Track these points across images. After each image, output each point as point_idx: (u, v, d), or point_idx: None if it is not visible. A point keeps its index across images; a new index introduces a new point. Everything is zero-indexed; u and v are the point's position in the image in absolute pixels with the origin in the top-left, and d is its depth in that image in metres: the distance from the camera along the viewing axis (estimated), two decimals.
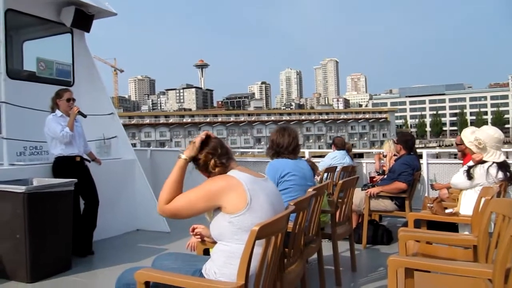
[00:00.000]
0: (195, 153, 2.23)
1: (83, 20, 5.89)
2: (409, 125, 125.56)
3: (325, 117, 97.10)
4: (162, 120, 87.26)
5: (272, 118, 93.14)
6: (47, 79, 5.78)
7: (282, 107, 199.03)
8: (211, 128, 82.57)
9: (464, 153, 5.13)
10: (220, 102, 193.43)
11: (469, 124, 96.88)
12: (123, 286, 2.17)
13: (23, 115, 5.04)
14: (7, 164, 4.60)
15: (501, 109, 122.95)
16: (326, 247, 3.65)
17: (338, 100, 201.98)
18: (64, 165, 4.59)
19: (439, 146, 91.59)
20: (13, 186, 3.83)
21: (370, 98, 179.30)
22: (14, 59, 5.81)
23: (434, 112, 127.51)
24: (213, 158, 2.21)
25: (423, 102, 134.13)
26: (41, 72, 5.81)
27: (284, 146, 3.41)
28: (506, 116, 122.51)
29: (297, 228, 2.64)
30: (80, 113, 4.67)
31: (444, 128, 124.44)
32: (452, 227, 3.59)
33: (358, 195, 4.99)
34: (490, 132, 3.55)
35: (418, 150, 6.74)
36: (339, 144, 6.90)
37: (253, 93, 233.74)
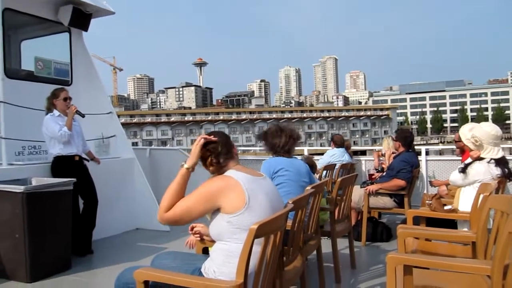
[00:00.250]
0: (196, 161, 2.23)
1: (81, 19, 5.87)
2: (410, 122, 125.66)
3: (327, 114, 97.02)
4: (164, 118, 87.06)
5: (274, 115, 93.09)
6: (45, 78, 5.76)
7: (282, 105, 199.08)
8: (213, 126, 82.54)
9: (462, 150, 5.14)
10: (219, 101, 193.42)
11: (469, 120, 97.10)
12: (123, 285, 2.17)
13: (21, 114, 5.03)
14: (5, 163, 4.60)
15: (501, 105, 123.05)
16: (326, 244, 3.66)
17: (337, 98, 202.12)
18: (63, 165, 4.59)
19: (441, 142, 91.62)
20: (12, 186, 3.83)
21: (371, 95, 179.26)
22: (12, 58, 5.81)
23: (435, 109, 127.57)
24: (211, 156, 2.21)
25: (424, 99, 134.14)
26: (39, 71, 5.80)
27: (280, 146, 3.47)
28: (507, 112, 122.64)
29: (296, 226, 2.64)
30: (78, 112, 4.66)
31: (445, 125, 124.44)
32: (451, 224, 3.60)
33: (357, 193, 4.99)
34: (487, 129, 3.55)
35: (420, 147, 6.76)
36: (338, 142, 6.90)
37: (253, 91, 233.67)
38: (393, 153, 5.77)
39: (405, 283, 2.05)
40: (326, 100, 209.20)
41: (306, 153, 7.76)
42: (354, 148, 7.51)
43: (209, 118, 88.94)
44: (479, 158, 3.56)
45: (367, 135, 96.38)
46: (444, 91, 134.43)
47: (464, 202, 3.52)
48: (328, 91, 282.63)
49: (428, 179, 6.19)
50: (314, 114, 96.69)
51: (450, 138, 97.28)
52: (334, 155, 6.71)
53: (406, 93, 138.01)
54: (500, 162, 3.54)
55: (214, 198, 2.05)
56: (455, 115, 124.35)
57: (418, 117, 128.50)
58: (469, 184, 3.58)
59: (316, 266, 3.45)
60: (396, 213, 5.34)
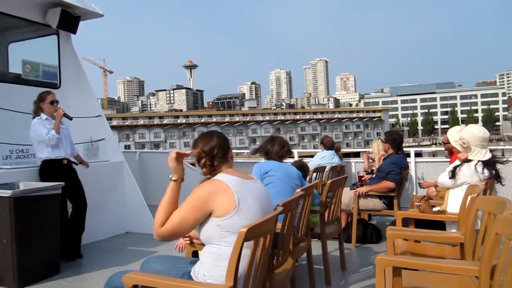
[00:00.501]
0: (182, 173, 2.22)
1: (69, 21, 5.83)
2: (402, 124, 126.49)
3: (320, 116, 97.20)
4: (156, 121, 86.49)
5: (267, 118, 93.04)
6: (33, 81, 5.71)
7: (273, 107, 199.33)
8: (206, 129, 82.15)
9: (451, 152, 5.17)
10: (210, 103, 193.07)
11: (460, 122, 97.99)
12: None
13: (9, 118, 4.98)
14: None
15: (491, 107, 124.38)
16: (316, 246, 3.66)
17: (328, 100, 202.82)
18: (51, 168, 4.54)
19: (434, 144, 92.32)
20: None
21: (362, 97, 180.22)
22: None
23: (426, 111, 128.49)
24: (205, 158, 2.20)
25: (415, 100, 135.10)
26: (27, 74, 5.74)
27: (274, 152, 3.71)
28: (496, 113, 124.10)
29: (286, 229, 2.65)
30: (65, 115, 4.62)
31: (436, 127, 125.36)
32: (440, 225, 3.62)
33: (347, 195, 5.01)
34: (474, 132, 3.58)
35: (413, 149, 6.82)
36: (328, 144, 6.93)
37: (244, 94, 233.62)
38: (382, 155, 5.80)
39: (394, 285, 2.06)
40: (317, 102, 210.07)
41: (296, 155, 7.78)
42: (345, 150, 7.56)
43: (202, 120, 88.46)
44: (467, 160, 3.59)
45: (359, 137, 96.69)
46: (434, 93, 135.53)
47: (453, 203, 3.56)
48: (319, 93, 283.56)
49: (417, 181, 6.23)
50: (307, 116, 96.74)
51: (442, 139, 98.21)
52: (324, 158, 6.73)
53: (397, 95, 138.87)
54: (488, 164, 3.58)
55: (205, 203, 2.04)
56: (446, 117, 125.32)
57: (409, 119, 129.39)
58: (457, 185, 3.61)
59: (306, 269, 3.45)
60: (385, 214, 5.37)
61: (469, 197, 2.98)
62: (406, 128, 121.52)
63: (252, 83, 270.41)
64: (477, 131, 3.59)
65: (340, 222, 4.22)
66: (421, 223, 3.58)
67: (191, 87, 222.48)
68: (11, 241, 3.71)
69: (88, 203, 4.74)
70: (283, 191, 3.38)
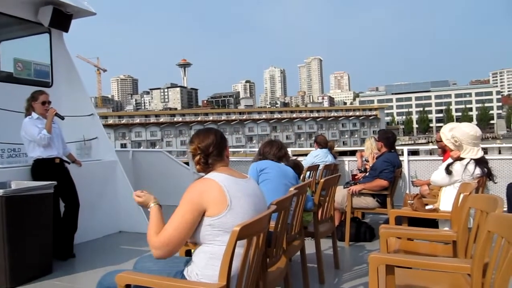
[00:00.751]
0: (152, 197, 2.22)
1: (61, 19, 5.80)
2: (397, 122, 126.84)
3: (316, 115, 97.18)
4: (153, 119, 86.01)
5: (264, 116, 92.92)
6: (25, 80, 5.68)
7: (267, 106, 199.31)
8: (202, 127, 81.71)
9: (444, 150, 5.21)
10: (205, 101, 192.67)
11: (455, 120, 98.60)
12: None
13: (0, 117, 4.93)
14: None
15: (486, 105, 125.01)
16: (309, 245, 3.67)
17: (323, 98, 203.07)
18: (43, 168, 4.51)
19: (431, 142, 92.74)
20: None
21: (357, 96, 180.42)
22: None
23: (421, 109, 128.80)
24: (200, 155, 2.18)
25: (410, 99, 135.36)
26: (19, 73, 5.71)
27: (271, 153, 3.74)
28: (491, 112, 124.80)
29: (279, 227, 2.64)
30: (57, 115, 4.59)
31: (431, 125, 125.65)
32: (433, 223, 3.64)
33: (341, 193, 5.02)
34: (466, 130, 3.60)
35: (406, 147, 6.86)
36: (321, 143, 6.94)
37: (238, 92, 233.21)
38: (376, 153, 5.82)
39: (387, 283, 2.06)
40: (311, 100, 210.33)
41: (289, 153, 7.78)
42: (341, 148, 7.60)
43: (199, 118, 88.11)
44: (459, 158, 3.61)
45: (356, 135, 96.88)
46: (429, 91, 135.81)
47: (445, 201, 3.57)
48: (313, 91, 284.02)
49: (410, 179, 6.27)
50: (304, 115, 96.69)
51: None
52: (318, 156, 6.74)
53: (392, 94, 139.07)
54: (480, 162, 3.59)
55: (198, 203, 2.02)
56: (441, 115, 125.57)
57: (404, 117, 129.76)
58: (449, 184, 3.63)
59: (300, 267, 3.46)
60: (379, 213, 5.39)
61: (461, 195, 3.00)
62: (401, 127, 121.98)
63: (247, 81, 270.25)
64: (469, 129, 3.61)
65: (333, 221, 4.23)
66: (414, 221, 3.59)
67: (185, 86, 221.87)
68: (3, 240, 3.68)
69: (80, 202, 4.72)
70: (277, 189, 3.39)
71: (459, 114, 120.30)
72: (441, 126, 3.90)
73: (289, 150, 7.91)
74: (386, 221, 4.72)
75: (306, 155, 7.30)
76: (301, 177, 5.54)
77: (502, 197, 2.20)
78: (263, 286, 2.35)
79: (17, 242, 3.77)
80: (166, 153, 7.97)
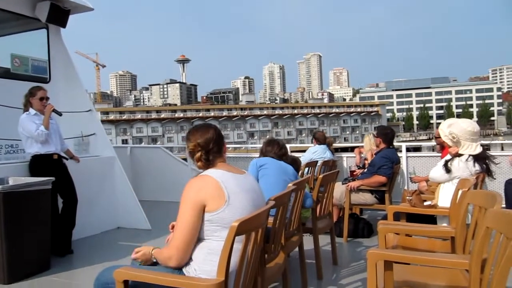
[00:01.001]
0: (149, 249, 2.17)
1: (59, 15, 5.76)
2: (397, 118, 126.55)
3: (317, 111, 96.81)
4: (154, 115, 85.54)
5: (265, 112, 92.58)
6: (22, 75, 5.64)
7: (267, 102, 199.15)
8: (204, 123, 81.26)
9: (442, 146, 5.20)
10: (204, 97, 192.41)
11: (455, 117, 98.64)
12: (102, 285, 2.14)
13: None
14: None
15: (486, 101, 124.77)
16: (308, 241, 3.68)
17: (322, 94, 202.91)
18: (41, 164, 4.50)
19: (432, 139, 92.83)
20: None
21: (357, 92, 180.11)
22: None
23: (421, 105, 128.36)
24: (201, 152, 2.16)
25: (410, 95, 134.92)
26: (16, 68, 5.68)
27: (272, 152, 3.80)
28: (491, 108, 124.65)
29: (278, 223, 2.64)
30: (55, 111, 4.57)
31: (432, 121, 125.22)
32: (431, 219, 3.64)
33: (339, 189, 5.02)
34: (463, 126, 3.60)
35: (404, 144, 6.87)
36: (320, 139, 6.93)
37: (237, 88, 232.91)
38: (374, 150, 5.81)
39: (386, 279, 2.06)
40: (310, 96, 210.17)
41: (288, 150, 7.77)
42: (342, 145, 7.59)
43: (200, 114, 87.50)
44: (458, 155, 3.61)
45: (357, 132, 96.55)
46: (429, 88, 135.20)
47: (444, 197, 3.57)
48: (312, 88, 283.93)
49: (409, 175, 6.27)
50: (305, 111, 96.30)
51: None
52: (316, 152, 6.73)
53: (393, 90, 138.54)
54: (479, 158, 3.59)
55: (197, 200, 2.01)
56: (441, 111, 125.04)
57: (404, 113, 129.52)
58: (448, 180, 3.63)
59: (298, 263, 3.45)
60: (377, 209, 5.40)
61: (460, 191, 3.00)
62: (402, 123, 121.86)
63: (246, 77, 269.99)
64: (466, 125, 3.61)
65: (331, 217, 4.23)
66: (412, 217, 3.59)
67: (184, 82, 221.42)
68: (1, 236, 3.67)
69: (78, 199, 4.71)
70: (276, 184, 3.41)
71: (460, 110, 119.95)
72: (441, 123, 3.90)
73: (288, 146, 7.94)
74: (384, 217, 4.72)
75: (304, 151, 7.30)
76: (299, 173, 5.55)
77: (500, 193, 2.20)
78: (261, 281, 2.35)
79: (15, 238, 3.76)
80: (164, 149, 7.97)
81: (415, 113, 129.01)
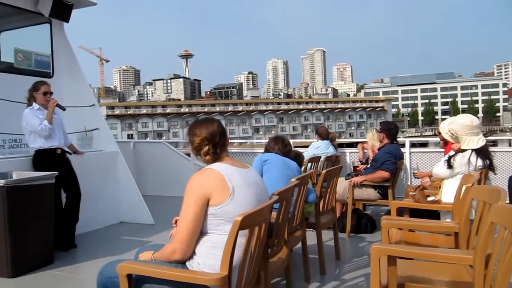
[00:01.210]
0: (149, 252, 2.18)
1: (62, 9, 5.77)
2: (403, 114, 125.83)
3: (323, 106, 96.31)
4: (159, 110, 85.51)
5: (270, 107, 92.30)
6: (26, 70, 5.65)
7: (270, 97, 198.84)
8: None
9: (445, 142, 5.18)
10: (208, 93, 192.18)
11: (461, 112, 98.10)
12: (105, 279, 2.14)
13: (1, 107, 4.92)
14: None
15: (492, 97, 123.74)
16: (311, 236, 3.68)
17: (326, 90, 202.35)
18: (44, 158, 4.51)
19: (437, 134, 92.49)
20: None
21: (361, 88, 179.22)
22: None
23: (426, 101, 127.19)
24: (208, 145, 2.16)
25: (415, 91, 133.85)
26: (19, 63, 5.68)
27: (277, 148, 3.82)
28: (497, 104, 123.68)
29: (281, 218, 2.64)
30: (58, 105, 4.58)
31: (437, 117, 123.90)
32: (434, 215, 3.63)
33: (342, 185, 5.01)
34: (461, 121, 3.59)
35: (417, 139, 6.85)
36: (323, 134, 6.91)
37: (241, 83, 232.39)
38: (377, 146, 5.80)
39: (389, 274, 2.06)
40: (314, 92, 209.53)
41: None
42: (346, 140, 7.58)
43: (205, 109, 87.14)
44: (461, 150, 3.59)
45: (363, 127, 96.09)
46: (435, 83, 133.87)
47: (447, 193, 3.56)
48: (316, 83, 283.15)
49: (412, 171, 6.25)
50: (310, 106, 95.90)
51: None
52: (319, 148, 6.72)
53: (398, 86, 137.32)
54: (481, 152, 3.57)
55: (201, 194, 2.01)
56: (447, 107, 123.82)
57: (409, 109, 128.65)
58: (451, 176, 3.61)
59: (301, 258, 3.46)
60: (380, 204, 5.38)
61: (463, 187, 2.98)
62: (407, 119, 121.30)
63: (249, 72, 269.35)
64: (464, 120, 3.59)
65: (334, 212, 4.22)
66: (415, 213, 3.58)
67: (188, 77, 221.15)
68: (5, 231, 3.69)
69: (82, 193, 4.72)
70: (280, 179, 3.41)
71: (465, 106, 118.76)
72: (447, 119, 3.89)
73: (292, 141, 7.93)
74: (388, 213, 4.69)
75: (306, 147, 7.28)
76: (302, 169, 5.55)
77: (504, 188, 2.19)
78: (264, 276, 2.35)
79: (18, 232, 3.78)
80: (167, 144, 7.97)
81: (420, 109, 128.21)
